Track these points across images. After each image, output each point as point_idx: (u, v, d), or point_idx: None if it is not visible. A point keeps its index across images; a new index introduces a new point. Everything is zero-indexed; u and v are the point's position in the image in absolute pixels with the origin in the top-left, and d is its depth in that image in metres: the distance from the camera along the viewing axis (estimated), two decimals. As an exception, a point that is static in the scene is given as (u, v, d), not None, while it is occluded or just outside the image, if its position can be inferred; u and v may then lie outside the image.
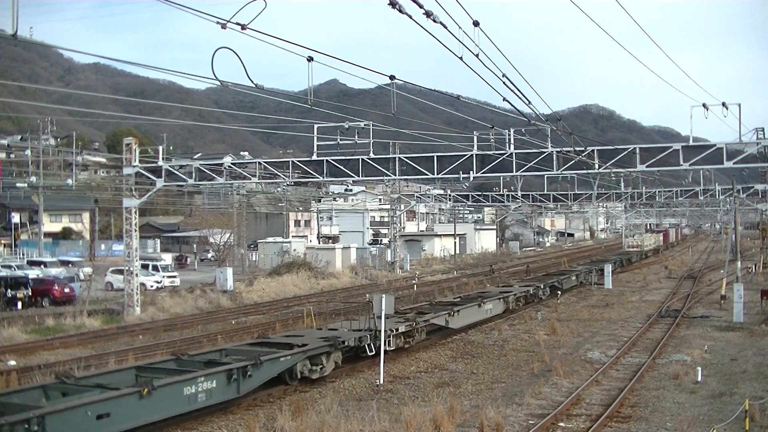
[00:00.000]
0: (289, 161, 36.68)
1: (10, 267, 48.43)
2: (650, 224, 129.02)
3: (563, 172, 32.53)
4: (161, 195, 64.37)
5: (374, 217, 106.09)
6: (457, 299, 33.11)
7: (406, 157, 33.65)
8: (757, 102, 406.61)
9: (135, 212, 37.10)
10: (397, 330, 23.72)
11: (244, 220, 73.53)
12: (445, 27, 11.43)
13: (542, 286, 40.42)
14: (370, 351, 22.08)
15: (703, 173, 48.41)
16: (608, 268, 50.61)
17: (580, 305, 39.87)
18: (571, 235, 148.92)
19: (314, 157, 33.59)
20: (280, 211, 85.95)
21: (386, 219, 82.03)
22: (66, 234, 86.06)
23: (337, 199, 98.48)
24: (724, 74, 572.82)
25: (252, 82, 13.48)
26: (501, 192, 65.83)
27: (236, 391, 17.05)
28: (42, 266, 50.76)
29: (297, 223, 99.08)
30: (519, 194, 62.02)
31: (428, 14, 10.75)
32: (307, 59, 14.30)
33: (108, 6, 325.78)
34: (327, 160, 33.36)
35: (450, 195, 71.63)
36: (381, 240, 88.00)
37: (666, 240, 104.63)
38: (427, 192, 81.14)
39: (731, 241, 59.35)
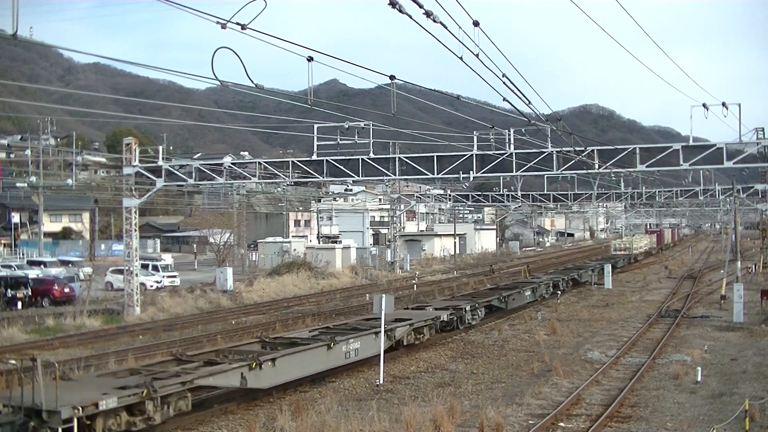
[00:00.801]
0: (289, 161, 36.70)
1: (10, 267, 48.41)
2: (650, 224, 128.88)
3: (563, 172, 32.56)
4: (161, 195, 64.34)
5: (374, 217, 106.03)
6: (303, 334, 21.96)
7: (406, 157, 33.66)
8: (757, 102, 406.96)
9: (135, 212, 37.12)
10: (97, 407, 12.93)
11: (244, 220, 73.50)
12: (445, 27, 11.43)
13: (468, 309, 29.67)
14: None
15: (703, 173, 48.43)
16: (608, 268, 50.60)
17: (580, 305, 39.89)
18: (571, 235, 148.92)
19: (314, 157, 33.61)
20: (280, 211, 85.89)
21: (386, 219, 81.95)
22: (66, 234, 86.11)
23: (337, 199, 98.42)
24: (724, 74, 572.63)
25: (252, 82, 13.48)
26: (501, 192, 65.79)
27: None
28: (42, 266, 50.75)
29: (297, 223, 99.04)
30: (519, 194, 62.06)
31: (428, 14, 10.76)
32: (307, 59, 14.29)
33: (108, 6, 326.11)
34: (327, 160, 33.37)
35: (450, 195, 71.64)
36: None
37: (660, 241, 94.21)
38: (427, 192, 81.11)
39: (731, 241, 59.31)
